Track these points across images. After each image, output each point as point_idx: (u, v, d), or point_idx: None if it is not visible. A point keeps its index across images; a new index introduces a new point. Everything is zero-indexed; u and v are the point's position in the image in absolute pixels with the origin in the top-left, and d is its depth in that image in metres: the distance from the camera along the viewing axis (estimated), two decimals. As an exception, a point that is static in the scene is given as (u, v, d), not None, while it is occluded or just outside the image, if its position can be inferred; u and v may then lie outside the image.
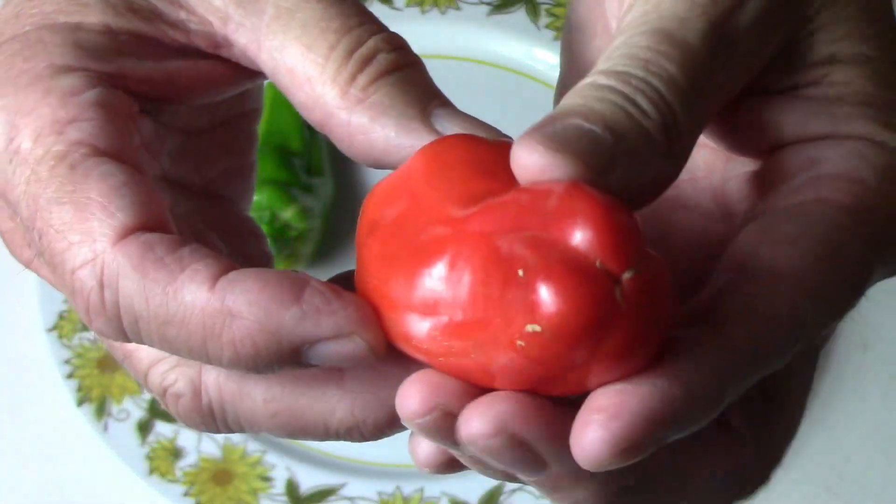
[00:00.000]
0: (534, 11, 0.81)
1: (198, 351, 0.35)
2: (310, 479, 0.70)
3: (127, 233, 0.35)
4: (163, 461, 0.70)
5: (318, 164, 0.75)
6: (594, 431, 0.32)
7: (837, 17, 0.39)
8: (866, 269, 0.38)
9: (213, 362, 0.35)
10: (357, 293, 0.36)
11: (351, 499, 0.69)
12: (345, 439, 0.38)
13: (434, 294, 0.33)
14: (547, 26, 0.81)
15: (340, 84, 0.38)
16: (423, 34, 0.82)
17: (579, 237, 0.32)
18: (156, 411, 0.71)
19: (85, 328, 0.73)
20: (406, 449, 0.75)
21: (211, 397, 0.38)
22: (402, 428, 0.37)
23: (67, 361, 0.72)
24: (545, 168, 0.33)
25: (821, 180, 0.38)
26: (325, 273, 0.76)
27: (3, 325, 0.75)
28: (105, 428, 0.70)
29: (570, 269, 0.31)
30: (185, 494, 0.69)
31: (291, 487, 0.69)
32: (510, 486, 0.69)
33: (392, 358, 0.35)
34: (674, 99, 0.35)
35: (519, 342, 0.32)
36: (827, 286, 0.36)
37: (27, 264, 0.41)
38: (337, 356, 0.35)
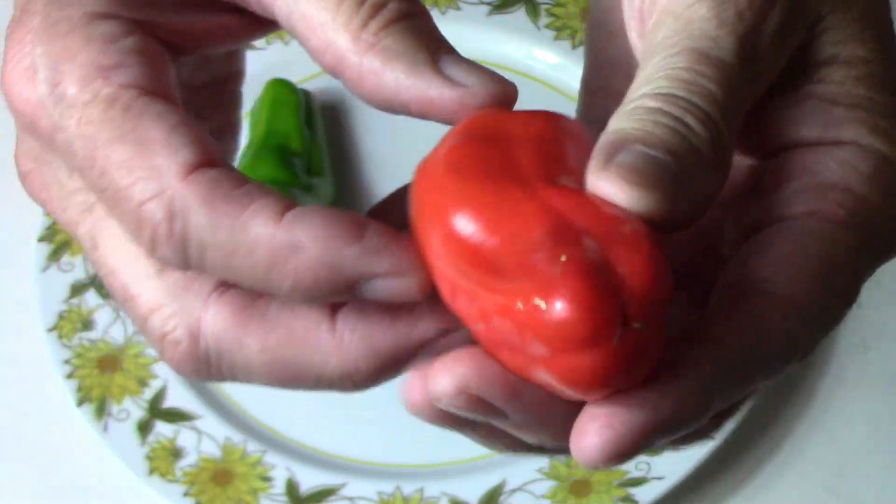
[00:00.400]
0: (534, 11, 0.81)
1: (260, 280, 0.37)
2: (310, 479, 0.70)
3: (192, 169, 0.38)
4: (163, 461, 0.70)
5: (318, 164, 0.75)
6: (589, 438, 0.35)
7: (844, 18, 0.41)
8: (857, 280, 0.40)
9: (273, 291, 0.38)
10: (415, 182, 0.39)
11: (351, 499, 0.69)
12: (336, 389, 0.40)
13: (485, 224, 0.36)
14: (547, 26, 0.81)
15: (352, 30, 0.39)
16: (423, 34, 0.83)
17: (627, 270, 0.34)
18: (156, 411, 0.71)
19: (85, 328, 0.73)
20: (406, 449, 0.75)
21: (209, 345, 0.39)
22: (392, 376, 0.39)
23: (67, 361, 0.72)
24: (629, 203, 0.36)
25: (813, 191, 0.41)
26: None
27: (3, 325, 0.76)
28: (105, 428, 0.70)
29: (598, 288, 0.34)
30: (185, 494, 0.69)
31: (291, 487, 0.69)
32: (510, 485, 0.69)
33: (381, 309, 0.38)
34: (718, 115, 0.38)
35: (518, 304, 0.35)
36: (819, 304, 0.39)
37: (44, 203, 0.42)
38: (388, 292, 0.37)
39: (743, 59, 0.39)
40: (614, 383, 0.35)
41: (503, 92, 0.39)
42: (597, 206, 0.36)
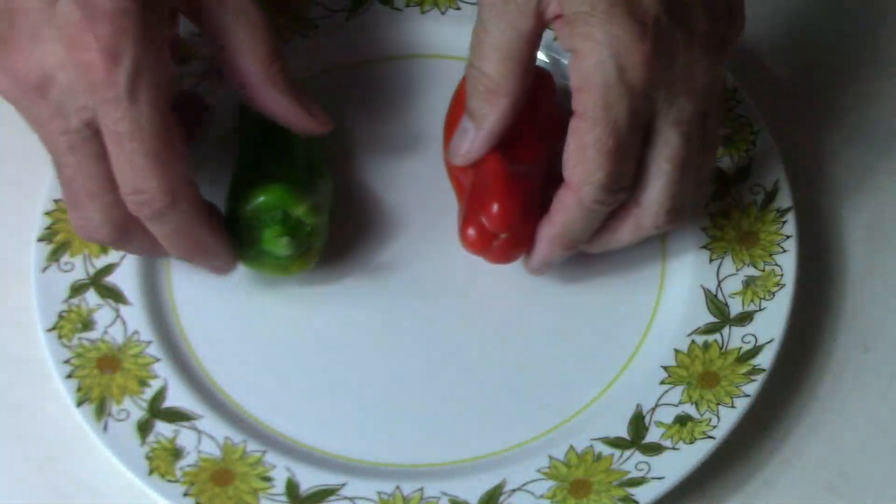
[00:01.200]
0: (534, 11, 0.81)
1: None
2: (310, 479, 0.70)
3: None
4: (163, 461, 0.70)
5: (318, 164, 0.75)
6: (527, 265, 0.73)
7: None
8: (604, 149, 0.64)
9: None
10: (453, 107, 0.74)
11: (351, 499, 0.69)
12: None
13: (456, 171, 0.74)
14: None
15: (266, 66, 0.69)
16: (423, 34, 0.82)
17: (488, 217, 0.70)
18: (155, 411, 0.71)
19: (85, 328, 0.73)
20: (406, 449, 0.75)
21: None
22: None
23: (67, 361, 0.72)
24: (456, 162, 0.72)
25: (572, 95, 0.64)
26: (330, 270, 0.76)
27: (3, 325, 0.75)
28: (105, 428, 0.70)
29: (479, 229, 0.71)
30: (185, 494, 0.69)
31: (291, 487, 0.69)
32: (510, 485, 0.69)
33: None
34: (483, 66, 0.67)
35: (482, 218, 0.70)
36: (587, 177, 0.65)
37: None
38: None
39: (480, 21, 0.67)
40: (509, 259, 0.72)
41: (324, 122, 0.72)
42: (487, 162, 0.70)
